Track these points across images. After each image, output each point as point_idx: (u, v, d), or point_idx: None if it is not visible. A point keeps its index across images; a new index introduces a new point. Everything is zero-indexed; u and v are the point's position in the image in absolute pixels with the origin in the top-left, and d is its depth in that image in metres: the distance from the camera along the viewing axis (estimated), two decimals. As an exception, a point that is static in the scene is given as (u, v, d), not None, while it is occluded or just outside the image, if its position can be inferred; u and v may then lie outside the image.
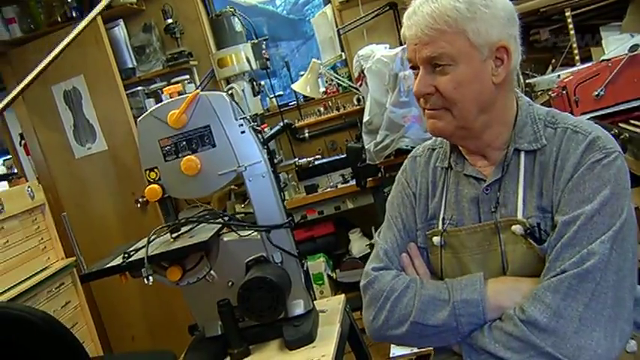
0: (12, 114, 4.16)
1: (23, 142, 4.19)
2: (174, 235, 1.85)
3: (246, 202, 3.51)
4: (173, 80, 4.23)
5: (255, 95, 3.94)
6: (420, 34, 1.24)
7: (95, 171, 4.03)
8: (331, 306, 1.95)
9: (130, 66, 4.36)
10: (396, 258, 1.40)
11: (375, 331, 1.33)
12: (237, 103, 1.90)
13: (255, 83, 4.02)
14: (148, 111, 1.90)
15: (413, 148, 1.60)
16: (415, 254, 1.40)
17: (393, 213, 1.47)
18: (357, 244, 3.91)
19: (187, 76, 4.31)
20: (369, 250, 3.85)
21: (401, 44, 3.60)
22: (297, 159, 3.76)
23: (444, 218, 1.36)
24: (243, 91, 3.80)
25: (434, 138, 1.50)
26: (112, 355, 3.01)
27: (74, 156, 4.08)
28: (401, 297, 1.29)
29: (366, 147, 3.47)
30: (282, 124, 3.90)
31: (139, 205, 3.89)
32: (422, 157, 1.49)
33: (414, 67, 1.31)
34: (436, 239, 1.37)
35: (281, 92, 4.51)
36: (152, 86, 4.36)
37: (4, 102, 1.04)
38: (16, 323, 1.87)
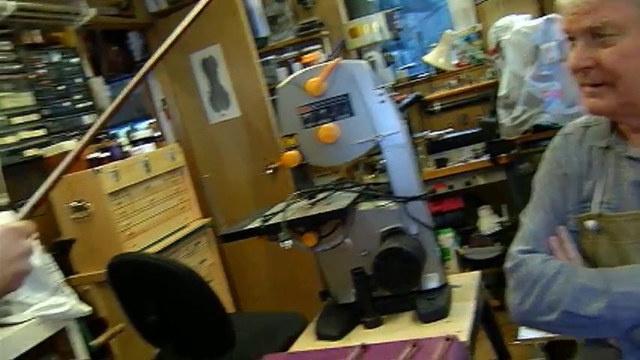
0: (155, 81, 4.41)
1: (165, 107, 4.43)
2: (311, 202, 1.89)
3: (375, 173, 3.51)
4: (304, 50, 4.29)
5: (386, 66, 3.90)
6: (579, 2, 1.14)
7: (228, 137, 4.19)
8: (465, 282, 1.91)
9: (263, 35, 4.46)
10: (543, 241, 1.32)
11: (520, 314, 1.28)
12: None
13: (386, 54, 3.97)
14: (288, 78, 1.93)
15: (553, 124, 1.50)
16: (565, 238, 1.32)
17: (541, 193, 1.38)
18: (487, 221, 3.80)
19: (318, 46, 4.35)
20: (498, 228, 3.74)
21: (542, 15, 3.40)
22: (426, 132, 3.68)
23: (601, 202, 1.26)
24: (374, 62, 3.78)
25: (587, 115, 1.39)
26: (245, 313, 3.15)
27: (209, 122, 4.26)
28: (551, 283, 1.22)
29: (501, 122, 3.34)
30: (412, 96, 3.84)
31: (269, 172, 4.01)
32: (574, 135, 1.38)
33: (571, 39, 1.21)
34: (591, 223, 1.27)
35: (412, 64, 4.43)
36: (283, 55, 4.44)
37: (142, 71, 1.09)
38: (165, 274, 2.02)
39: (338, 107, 1.83)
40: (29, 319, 2.20)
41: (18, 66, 3.03)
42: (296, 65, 4.27)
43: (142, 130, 3.78)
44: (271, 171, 3.99)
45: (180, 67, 4.20)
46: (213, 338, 2.04)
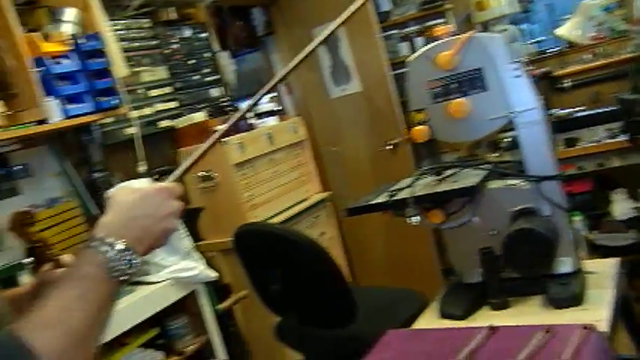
0: (277, 55, 4.49)
1: (286, 81, 4.50)
2: (438, 178, 1.85)
3: (499, 151, 3.38)
4: (427, 24, 4.18)
5: (514, 40, 3.72)
6: None
7: (348, 111, 4.19)
8: (601, 268, 1.80)
9: (385, 9, 4.40)
10: None
11: None
12: (509, 46, 1.80)
13: (514, 28, 3.78)
14: (419, 52, 1.89)
15: None
16: None
17: None
18: (621, 206, 3.55)
19: (442, 20, 4.22)
20: (634, 214, 3.49)
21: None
22: (555, 109, 3.50)
23: None
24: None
25: None
26: (363, 287, 3.18)
27: (329, 96, 4.29)
28: None
29: (643, 99, 3.09)
30: (541, 71, 3.65)
31: (389, 148, 3.98)
32: None
33: None
34: None
35: (541, 38, 4.20)
36: (406, 30, 4.36)
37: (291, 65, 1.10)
38: (290, 244, 2.07)
39: (470, 82, 1.77)
40: (164, 280, 2.34)
41: (155, 42, 3.20)
42: (418, 40, 4.18)
43: (263, 103, 3.88)
44: (391, 147, 3.96)
45: (302, 42, 4.21)
46: (335, 310, 2.07)
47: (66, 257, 1.25)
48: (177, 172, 1.04)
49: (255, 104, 1.13)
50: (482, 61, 1.74)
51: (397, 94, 3.90)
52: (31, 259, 2.17)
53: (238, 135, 3.01)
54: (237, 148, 2.94)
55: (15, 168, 2.45)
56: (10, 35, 2.14)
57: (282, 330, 2.38)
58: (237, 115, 1.12)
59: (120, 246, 0.83)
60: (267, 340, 2.72)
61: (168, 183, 1.02)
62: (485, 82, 1.75)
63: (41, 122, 2.24)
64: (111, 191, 1.02)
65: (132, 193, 0.92)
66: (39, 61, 2.25)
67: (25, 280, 2.14)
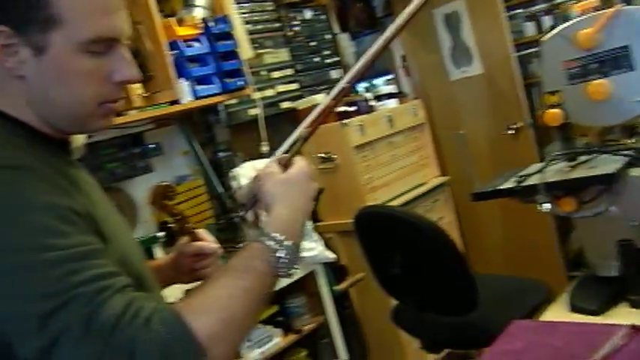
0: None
1: (404, 63, 4.44)
2: (571, 164, 1.75)
3: (636, 137, 3.15)
4: (557, 1, 3.95)
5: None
6: None
7: (468, 94, 4.06)
8: None
9: (512, -13, 4.20)
10: None
11: None
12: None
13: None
14: (555, 31, 1.79)
15: None
16: None
17: None
18: None
19: (573, -4, 3.98)
20: None
21: None
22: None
23: None
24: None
25: None
26: (484, 275, 3.08)
27: (449, 78, 4.17)
28: None
29: None
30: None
31: (511, 132, 3.82)
32: None
33: None
34: None
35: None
36: (533, 8, 4.14)
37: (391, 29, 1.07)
38: (411, 228, 2.04)
39: (613, 61, 1.65)
40: (285, 258, 2.40)
41: (278, 24, 3.25)
42: (546, 18, 3.96)
43: (381, 85, 3.84)
44: (513, 132, 3.80)
45: (421, 23, 4.15)
46: (456, 296, 2.03)
47: (202, 231, 1.31)
48: (284, 147, 1.06)
49: (349, 89, 1.12)
50: (631, 38, 1.61)
51: (521, 76, 3.73)
52: (164, 233, 2.30)
53: (359, 117, 3.01)
54: (358, 130, 2.94)
55: (149, 146, 2.59)
56: (149, 21, 2.26)
57: (399, 314, 2.36)
58: (321, 107, 1.11)
59: (288, 243, 0.89)
60: (382, 323, 2.72)
61: (303, 164, 1.03)
62: (632, 61, 1.62)
63: (173, 103, 2.35)
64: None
65: (281, 184, 0.99)
66: (173, 45, 2.36)
67: (159, 253, 2.28)
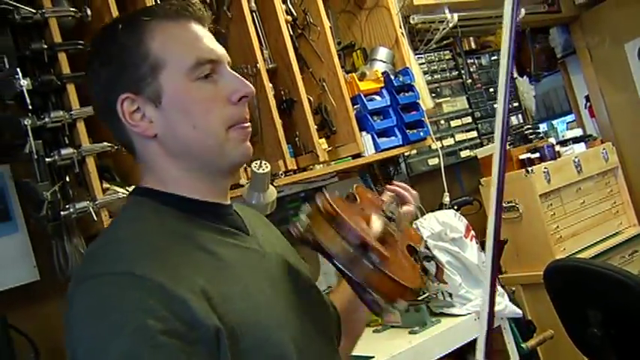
0: (579, 76, 4.20)
1: (588, 104, 4.18)
2: None
3: None
4: None
5: None
6: None
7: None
8: None
9: None
10: None
11: None
12: None
13: None
14: None
15: None
16: None
17: None
18: None
19: None
20: None
21: None
22: None
23: None
24: None
25: None
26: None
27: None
28: None
29: None
30: None
31: None
32: None
33: None
34: None
35: None
36: None
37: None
38: (614, 284, 1.87)
39: None
40: (468, 314, 2.31)
41: (455, 72, 3.24)
42: None
43: (562, 128, 3.64)
44: None
45: (610, 59, 3.89)
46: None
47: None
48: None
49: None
50: None
51: None
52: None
53: (543, 164, 2.86)
54: (543, 177, 2.80)
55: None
56: (333, 77, 2.35)
57: (598, 378, 2.16)
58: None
59: None
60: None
61: None
62: None
63: (356, 156, 2.40)
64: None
65: None
66: (355, 99, 2.43)
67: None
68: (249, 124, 0.97)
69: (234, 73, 0.97)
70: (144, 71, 0.91)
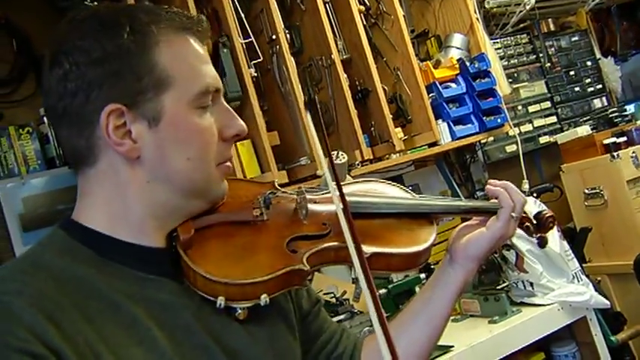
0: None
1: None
2: None
3: None
4: None
5: None
6: None
7: None
8: None
9: None
10: None
11: None
12: None
13: None
14: None
15: None
16: None
17: None
18: None
19: None
20: None
21: None
22: None
23: None
24: None
25: None
26: None
27: None
28: None
29: None
30: None
31: None
32: None
33: None
34: None
35: None
36: None
37: None
38: None
39: None
40: (551, 303, 2.25)
41: (533, 56, 3.14)
42: None
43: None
44: None
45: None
46: None
47: None
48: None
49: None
50: None
51: None
52: (425, 274, 2.31)
53: (631, 148, 2.73)
54: (631, 162, 2.67)
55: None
56: (408, 66, 2.34)
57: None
58: None
59: None
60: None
61: None
62: None
63: (432, 145, 2.38)
64: None
65: None
66: (430, 88, 2.41)
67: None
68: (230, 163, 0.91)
69: (228, 107, 0.90)
70: (145, 84, 0.81)
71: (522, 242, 2.28)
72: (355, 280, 1.07)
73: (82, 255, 0.81)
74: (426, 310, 1.09)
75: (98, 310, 0.76)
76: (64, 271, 0.78)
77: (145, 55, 0.81)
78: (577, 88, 3.24)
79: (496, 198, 1.09)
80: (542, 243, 1.21)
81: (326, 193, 1.04)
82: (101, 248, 0.82)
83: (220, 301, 0.82)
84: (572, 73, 3.25)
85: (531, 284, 2.28)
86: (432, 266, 2.23)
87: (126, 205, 0.84)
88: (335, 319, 1.75)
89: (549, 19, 3.24)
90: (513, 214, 1.07)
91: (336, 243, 0.92)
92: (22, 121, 2.17)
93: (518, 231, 1.14)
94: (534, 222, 1.19)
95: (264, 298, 0.83)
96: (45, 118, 2.16)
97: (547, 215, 1.18)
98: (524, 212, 1.15)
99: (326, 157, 0.88)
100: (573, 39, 3.32)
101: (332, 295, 2.15)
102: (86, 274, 0.79)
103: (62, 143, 0.87)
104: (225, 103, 0.90)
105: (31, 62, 2.25)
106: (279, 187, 1.03)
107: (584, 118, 3.12)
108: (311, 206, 0.98)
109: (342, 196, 0.80)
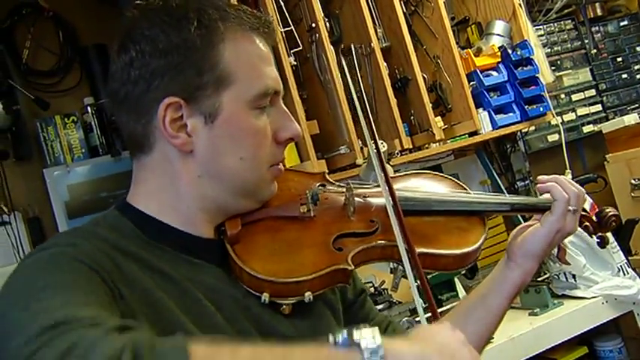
0: None
1: None
2: None
3: None
4: None
5: None
6: None
7: None
8: None
9: None
10: None
11: None
12: None
13: None
14: None
15: None
16: None
17: None
18: None
19: None
20: None
21: None
22: None
23: None
24: None
25: None
26: None
27: None
28: None
29: None
30: None
31: None
32: None
33: None
34: None
35: None
36: None
37: None
38: None
39: None
40: (595, 297, 2.20)
41: (577, 43, 3.06)
42: None
43: None
44: None
45: None
46: None
47: None
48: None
49: None
50: None
51: None
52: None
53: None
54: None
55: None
56: (448, 53, 2.31)
57: None
58: None
59: None
60: None
61: None
62: None
63: (472, 134, 2.35)
64: None
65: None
66: (471, 76, 2.37)
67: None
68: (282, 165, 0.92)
69: (285, 109, 0.90)
70: (206, 80, 0.81)
71: (565, 233, 2.23)
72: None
73: (131, 234, 0.83)
74: (480, 308, 1.09)
75: (150, 277, 0.78)
76: (117, 243, 0.80)
77: (210, 50, 0.82)
78: (625, 75, 3.14)
79: (548, 192, 1.07)
80: (603, 243, 1.18)
81: (375, 187, 1.04)
82: (151, 231, 0.84)
83: (265, 297, 0.83)
84: (619, 59, 3.15)
85: (574, 276, 2.24)
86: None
87: (177, 196, 0.85)
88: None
89: (596, 4, 3.14)
90: (570, 207, 1.04)
91: (383, 241, 0.92)
92: (67, 110, 2.24)
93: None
94: (595, 220, 1.16)
95: (307, 296, 0.84)
96: (89, 108, 2.22)
97: (610, 214, 1.14)
98: (585, 211, 1.12)
99: (374, 151, 0.87)
100: (622, 23, 3.21)
101: (370, 284, 2.15)
102: (137, 249, 0.81)
103: (121, 128, 0.89)
104: (283, 105, 0.90)
105: (77, 53, 2.31)
106: (329, 179, 1.03)
107: (632, 107, 3.03)
108: (359, 202, 0.98)
109: (392, 194, 0.79)
